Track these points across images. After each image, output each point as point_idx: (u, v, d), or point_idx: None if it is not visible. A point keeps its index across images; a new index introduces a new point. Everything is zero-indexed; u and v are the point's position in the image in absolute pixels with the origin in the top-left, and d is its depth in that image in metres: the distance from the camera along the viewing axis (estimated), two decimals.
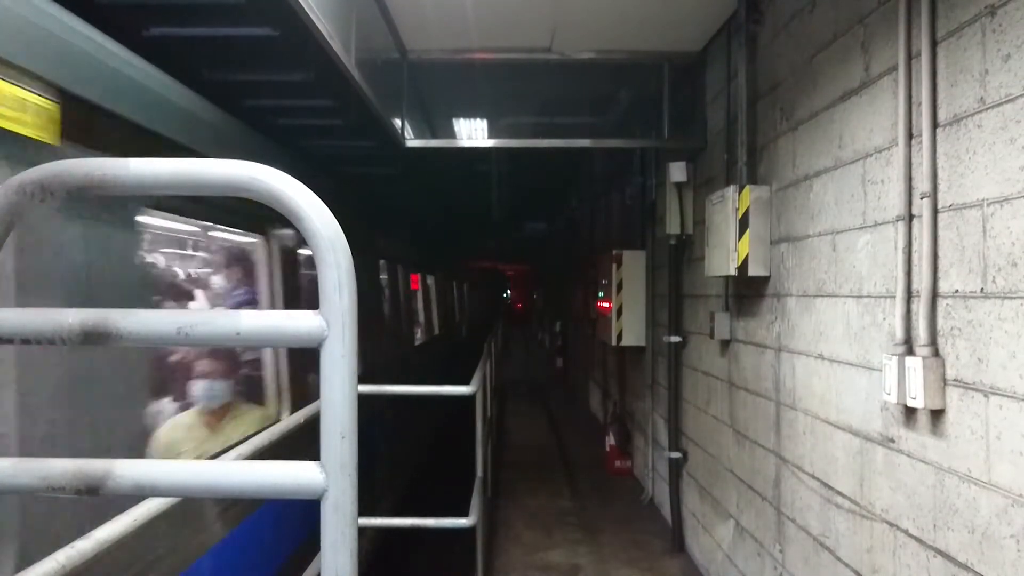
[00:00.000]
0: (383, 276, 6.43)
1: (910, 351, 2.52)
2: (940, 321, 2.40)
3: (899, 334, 2.57)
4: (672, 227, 5.51)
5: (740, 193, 3.95)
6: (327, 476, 0.88)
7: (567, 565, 5.30)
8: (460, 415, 7.11)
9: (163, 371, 3.02)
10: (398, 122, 5.02)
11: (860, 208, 2.95)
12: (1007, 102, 2.10)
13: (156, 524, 1.99)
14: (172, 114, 2.40)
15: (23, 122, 1.57)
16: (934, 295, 2.42)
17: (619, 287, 6.97)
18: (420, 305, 9.32)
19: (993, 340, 2.14)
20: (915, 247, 2.53)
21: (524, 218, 17.20)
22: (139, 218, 2.11)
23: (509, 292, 36.31)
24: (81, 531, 1.70)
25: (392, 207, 7.69)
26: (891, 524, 2.68)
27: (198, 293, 3.71)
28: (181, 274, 3.67)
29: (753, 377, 4.16)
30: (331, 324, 0.89)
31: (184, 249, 3.64)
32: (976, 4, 2.23)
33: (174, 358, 3.13)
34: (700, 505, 5.23)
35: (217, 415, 3.11)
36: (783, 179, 3.76)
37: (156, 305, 2.66)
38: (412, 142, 5.30)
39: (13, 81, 1.56)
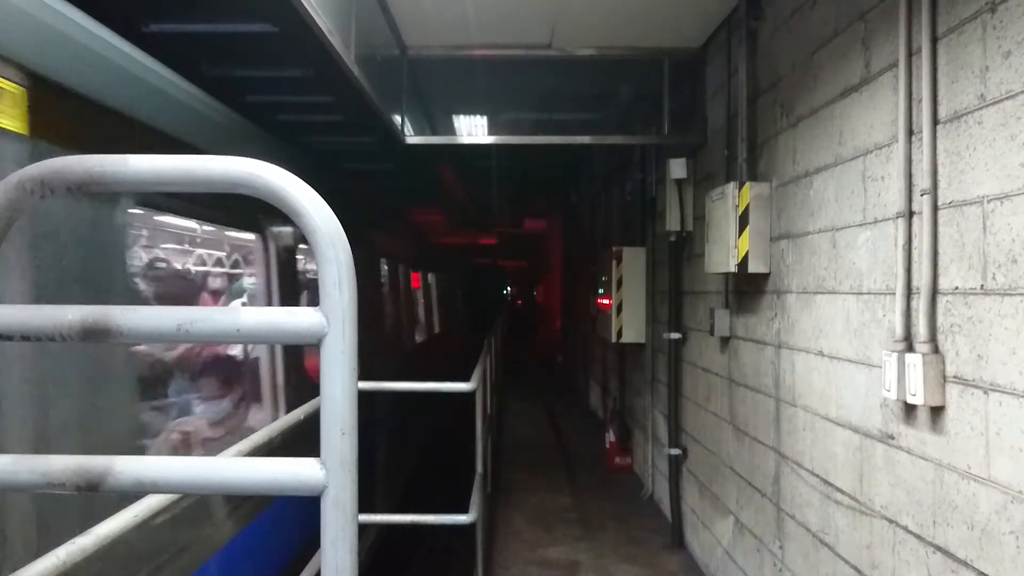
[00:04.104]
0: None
1: (910, 348, 2.52)
2: (940, 318, 2.40)
3: (899, 331, 2.57)
4: (672, 223, 5.51)
5: (740, 189, 3.95)
6: (327, 472, 0.88)
7: (567, 561, 5.31)
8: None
9: None
10: (398, 119, 5.02)
11: (860, 205, 2.94)
12: (1008, 98, 2.09)
13: None
14: (171, 109, 2.39)
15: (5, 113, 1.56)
16: (934, 292, 2.42)
17: (619, 284, 6.96)
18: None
19: (993, 337, 2.14)
20: (915, 244, 2.53)
21: (524, 214, 17.19)
22: None
23: (509, 289, 36.01)
24: None
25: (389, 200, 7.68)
26: (890, 520, 2.69)
27: None
28: None
29: (753, 373, 4.16)
30: (331, 320, 0.89)
31: None
32: (977, 0, 2.23)
33: None
34: (700, 501, 5.24)
35: None
36: (783, 175, 3.76)
37: None
38: (412, 139, 5.30)
39: None
